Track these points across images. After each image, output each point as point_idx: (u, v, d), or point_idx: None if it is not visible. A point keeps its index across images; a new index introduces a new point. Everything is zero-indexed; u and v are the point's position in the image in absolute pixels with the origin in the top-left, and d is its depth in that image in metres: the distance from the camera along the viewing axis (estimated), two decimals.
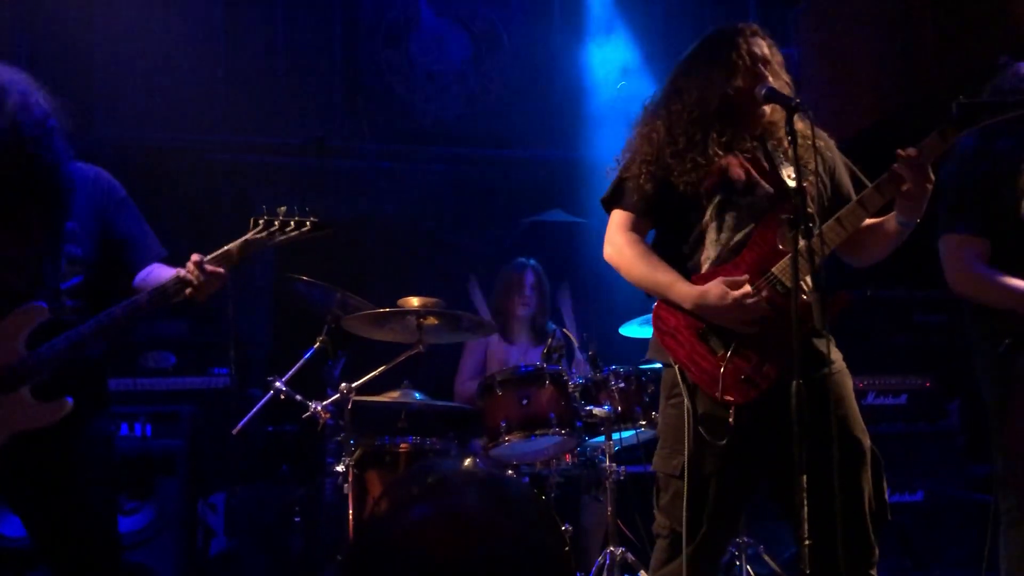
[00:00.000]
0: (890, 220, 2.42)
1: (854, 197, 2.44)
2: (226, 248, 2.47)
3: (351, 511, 3.34)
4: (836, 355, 2.39)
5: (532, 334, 4.45)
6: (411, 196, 5.53)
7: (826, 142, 2.55)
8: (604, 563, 3.29)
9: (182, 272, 2.40)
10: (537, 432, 3.39)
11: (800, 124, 2.27)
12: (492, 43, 5.65)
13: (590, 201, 5.59)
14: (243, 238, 2.49)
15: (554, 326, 4.04)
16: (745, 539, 3.56)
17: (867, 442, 2.42)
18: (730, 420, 2.26)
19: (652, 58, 5.81)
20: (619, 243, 2.45)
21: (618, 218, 2.48)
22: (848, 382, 2.44)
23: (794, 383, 2.07)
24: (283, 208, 2.53)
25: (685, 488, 2.29)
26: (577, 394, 3.48)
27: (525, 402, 3.43)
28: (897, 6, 5.07)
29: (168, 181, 4.98)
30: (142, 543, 3.85)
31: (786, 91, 2.42)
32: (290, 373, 3.48)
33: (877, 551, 2.38)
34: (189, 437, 4.07)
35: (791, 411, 2.05)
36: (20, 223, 2.39)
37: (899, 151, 2.29)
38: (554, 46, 5.77)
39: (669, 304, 2.37)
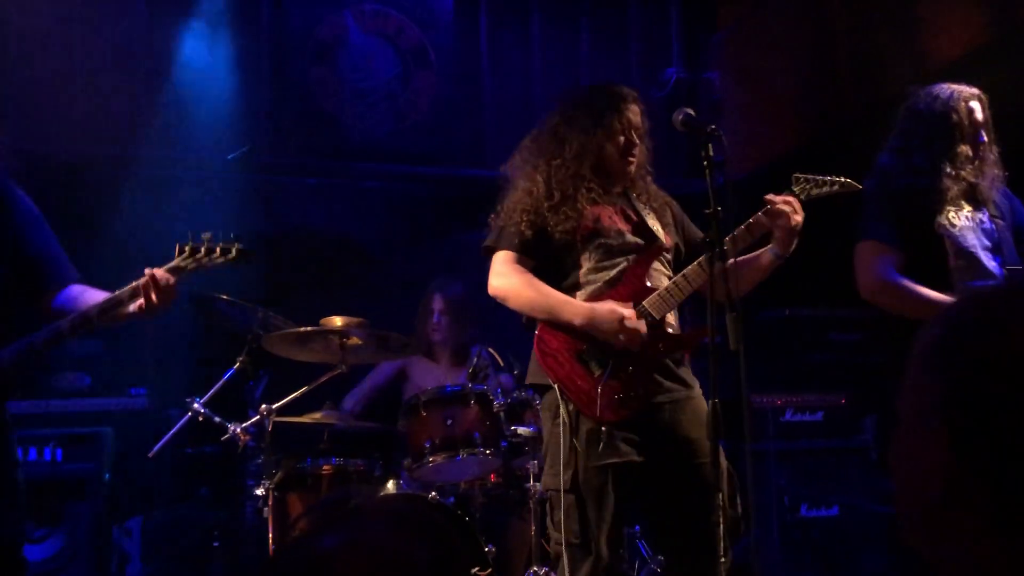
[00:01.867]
0: (764, 253, 2.66)
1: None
2: (152, 272, 2.41)
3: (272, 535, 3.28)
4: (693, 381, 2.68)
5: (452, 357, 4.42)
6: (338, 213, 5.48)
7: (669, 198, 2.88)
8: None
9: (141, 281, 2.35)
10: (462, 452, 3.39)
11: (655, 187, 2.75)
12: (420, 60, 5.65)
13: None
14: (170, 264, 2.44)
15: (479, 346, 4.04)
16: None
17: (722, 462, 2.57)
18: (603, 436, 2.48)
19: (579, 75, 5.89)
20: (506, 274, 2.65)
21: (502, 256, 2.70)
22: (703, 407, 2.61)
23: (711, 403, 2.19)
24: (208, 234, 2.50)
25: (570, 501, 2.49)
26: (502, 414, 3.48)
27: (450, 422, 3.42)
28: (811, 36, 5.26)
29: (86, 196, 4.84)
30: (52, 572, 3.71)
31: (645, 158, 2.78)
32: (209, 394, 3.40)
33: (729, 557, 2.52)
34: (104, 460, 3.94)
35: (660, 431, 2.37)
36: None
37: (768, 196, 2.59)
38: (482, 63, 5.81)
39: (553, 327, 2.59)
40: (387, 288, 5.15)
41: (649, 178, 2.79)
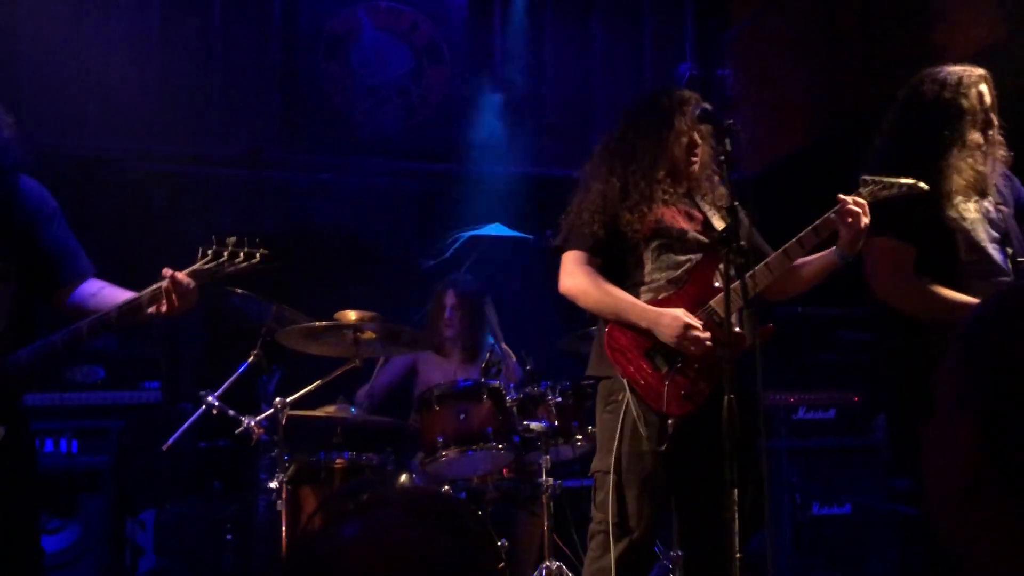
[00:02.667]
0: (828, 255, 2.66)
1: (764, 247, 2.81)
2: (173, 276, 2.39)
3: (284, 528, 3.28)
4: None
5: (463, 352, 4.42)
6: (349, 209, 5.49)
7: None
8: None
9: (164, 284, 2.33)
10: (474, 447, 3.39)
11: (719, 187, 2.76)
12: (433, 56, 5.66)
13: (531, 216, 5.65)
14: (192, 268, 2.42)
15: (492, 341, 4.04)
16: (680, 553, 3.60)
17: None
18: (670, 430, 2.59)
19: (591, 73, 5.89)
20: (577, 274, 2.75)
21: (573, 256, 2.79)
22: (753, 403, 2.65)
23: (726, 398, 2.19)
24: (232, 238, 2.48)
25: (615, 481, 2.58)
26: (515, 409, 3.49)
27: (462, 417, 3.42)
28: (825, 33, 5.24)
29: (98, 191, 4.86)
30: (67, 563, 3.73)
31: (709, 157, 2.79)
32: (223, 387, 3.41)
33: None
34: (117, 453, 3.96)
35: (722, 426, 2.30)
36: None
37: (840, 196, 2.55)
38: (495, 61, 5.81)
39: (621, 325, 2.68)
40: (397, 283, 5.16)
41: (716, 178, 2.82)
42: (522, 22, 5.84)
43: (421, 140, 5.61)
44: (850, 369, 4.63)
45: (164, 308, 2.34)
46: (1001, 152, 2.76)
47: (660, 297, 2.70)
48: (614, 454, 2.61)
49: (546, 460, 3.39)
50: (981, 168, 2.70)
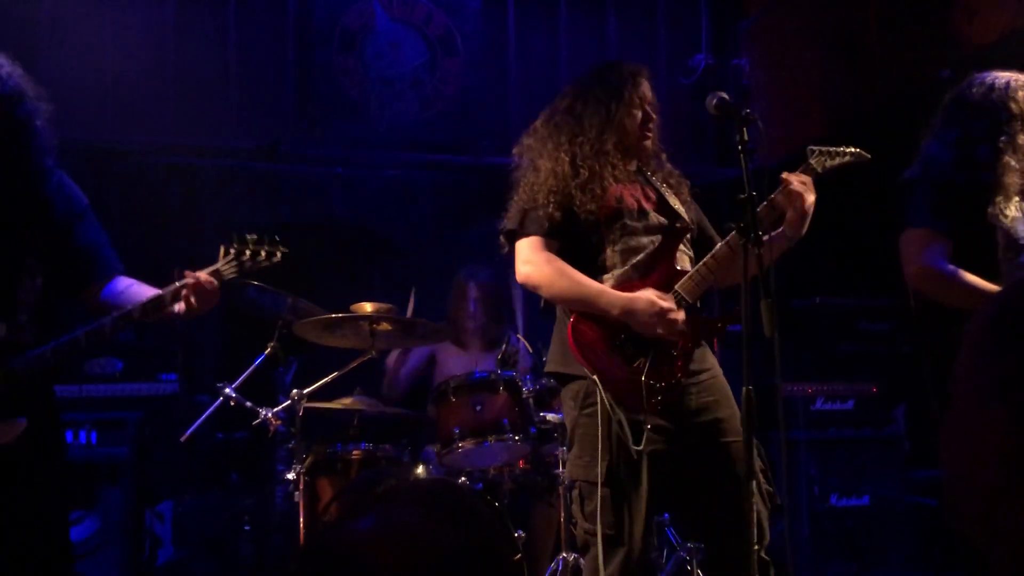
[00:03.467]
0: (778, 236, 2.58)
1: (709, 230, 2.77)
2: (195, 276, 2.39)
3: (302, 519, 3.30)
4: (712, 361, 2.65)
5: (483, 343, 4.42)
6: (365, 201, 5.50)
7: (684, 178, 2.82)
8: (556, 569, 3.29)
9: (189, 281, 2.33)
10: (490, 438, 3.39)
11: (667, 164, 2.71)
12: (447, 48, 5.65)
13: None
14: (213, 267, 2.41)
15: (510, 332, 4.04)
16: (697, 544, 3.59)
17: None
18: (646, 427, 2.44)
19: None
20: (537, 261, 2.60)
21: (529, 243, 2.64)
22: (726, 385, 2.62)
23: (744, 390, 2.15)
24: (253, 236, 2.47)
25: (605, 493, 2.45)
26: (531, 400, 3.48)
27: (479, 408, 3.42)
28: (842, 21, 5.19)
29: (115, 184, 4.89)
30: (87, 554, 3.76)
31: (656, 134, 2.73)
32: (240, 379, 3.43)
33: (767, 534, 2.51)
34: (136, 445, 3.99)
35: (683, 414, 2.34)
36: None
37: (784, 175, 2.55)
38: (509, 51, 5.79)
39: (588, 317, 2.54)
40: (413, 276, 5.16)
41: (664, 155, 2.75)
42: (536, 12, 5.82)
43: (436, 132, 5.61)
44: (869, 360, 4.60)
45: (185, 307, 2.34)
46: None
47: (624, 284, 2.55)
48: (603, 463, 2.44)
49: (562, 451, 3.38)
50: None
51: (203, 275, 2.37)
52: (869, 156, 2.66)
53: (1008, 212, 2.70)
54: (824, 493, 4.26)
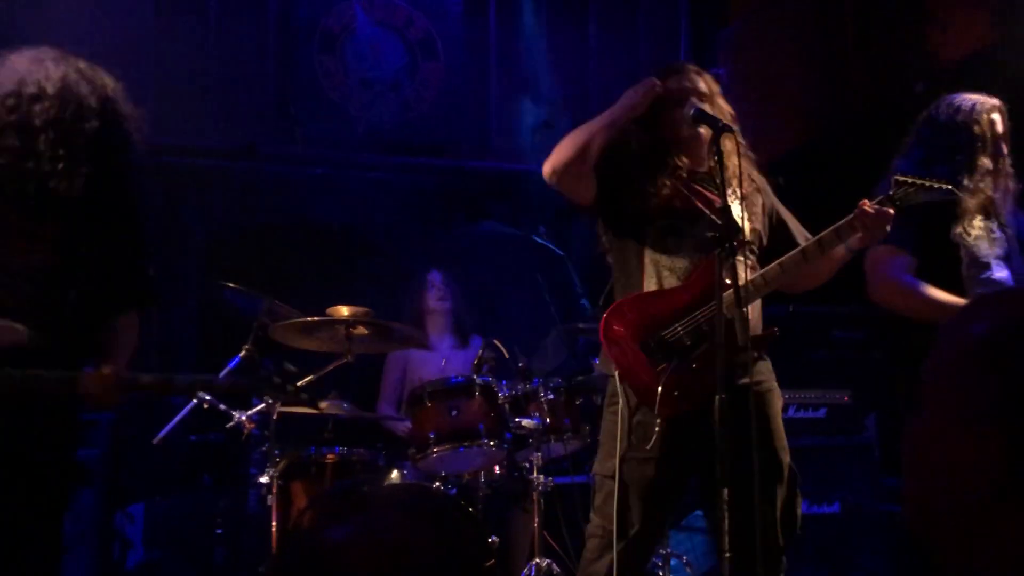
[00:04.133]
0: (839, 248, 2.57)
1: (795, 238, 2.66)
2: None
3: (275, 523, 3.29)
4: (767, 374, 2.59)
5: (456, 337, 4.44)
6: (343, 203, 5.48)
7: (761, 183, 2.72)
8: (530, 574, 3.30)
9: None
10: (466, 443, 3.39)
11: (754, 171, 2.56)
12: (428, 52, 5.65)
13: (524, 213, 5.66)
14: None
15: (487, 338, 4.04)
16: (668, 550, 3.62)
17: (786, 459, 2.51)
18: (656, 429, 2.43)
19: (587, 69, 5.89)
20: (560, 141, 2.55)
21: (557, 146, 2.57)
22: (775, 400, 2.60)
23: (717, 398, 2.17)
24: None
25: (611, 488, 2.45)
26: (507, 406, 3.49)
27: (454, 413, 3.42)
28: (820, 34, 5.25)
29: None
30: None
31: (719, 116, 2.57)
32: None
33: (785, 561, 2.47)
34: (107, 446, 3.95)
35: (721, 425, 2.19)
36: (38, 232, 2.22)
37: (863, 202, 2.47)
38: (490, 56, 5.80)
39: (619, 313, 2.52)
40: (391, 279, 5.15)
41: (745, 160, 2.56)
42: (517, 17, 5.84)
43: (416, 135, 5.61)
44: (841, 368, 4.64)
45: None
46: (1011, 184, 2.86)
47: (661, 290, 2.53)
48: (616, 457, 2.47)
49: (537, 457, 3.40)
50: (990, 192, 2.80)
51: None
52: (959, 193, 2.61)
53: (972, 231, 2.76)
54: None
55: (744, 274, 2.44)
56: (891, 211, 2.46)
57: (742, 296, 2.37)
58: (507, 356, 3.78)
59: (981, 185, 2.77)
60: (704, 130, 2.54)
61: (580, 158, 2.50)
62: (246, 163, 5.27)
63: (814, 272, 2.67)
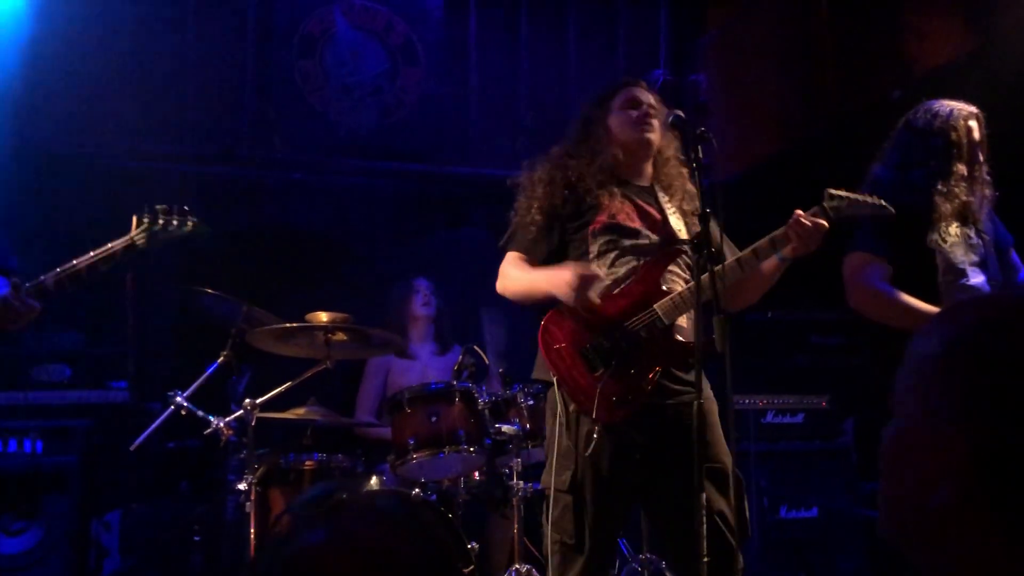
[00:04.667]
0: (771, 261, 2.58)
1: (725, 247, 2.67)
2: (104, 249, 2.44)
3: (253, 530, 3.26)
4: (705, 384, 2.54)
5: (437, 343, 4.44)
6: (322, 208, 5.46)
7: (694, 195, 2.74)
8: None
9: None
10: (445, 449, 3.39)
11: (688, 184, 2.62)
12: (408, 57, 5.64)
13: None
14: (126, 237, 2.50)
15: (467, 345, 4.04)
16: (649, 555, 3.62)
17: (729, 464, 2.52)
18: (594, 435, 2.44)
19: (566, 75, 5.90)
20: (506, 273, 2.68)
21: (508, 258, 2.71)
22: (714, 408, 2.59)
23: (695, 404, 2.18)
24: (164, 207, 2.60)
25: (568, 501, 2.47)
26: (487, 411, 3.49)
27: (434, 419, 3.42)
28: (797, 41, 5.29)
29: (67, 187, 4.79)
30: (29, 565, 3.68)
31: (674, 148, 2.70)
32: (192, 388, 3.39)
33: (741, 559, 2.49)
34: (83, 453, 3.91)
35: (663, 434, 2.28)
36: None
37: (798, 212, 2.51)
38: (470, 61, 5.80)
39: (556, 322, 2.54)
40: (370, 285, 5.14)
41: (684, 173, 2.68)
42: (497, 23, 5.85)
43: (396, 140, 5.60)
44: (819, 373, 4.68)
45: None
46: (987, 191, 2.87)
47: (602, 297, 2.53)
48: (567, 472, 2.47)
49: (517, 463, 3.39)
50: (964, 198, 2.82)
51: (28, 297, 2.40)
52: (893, 211, 2.61)
53: (948, 238, 2.78)
54: (774, 505, 4.32)
55: (679, 284, 2.54)
56: (824, 223, 2.49)
57: (678, 304, 2.47)
58: (487, 362, 3.78)
59: (956, 190, 2.80)
60: (654, 136, 2.65)
61: (526, 301, 2.65)
62: (224, 167, 5.24)
63: (750, 285, 2.66)
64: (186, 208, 2.60)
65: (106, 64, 5.05)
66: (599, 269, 2.57)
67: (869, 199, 2.57)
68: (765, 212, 2.86)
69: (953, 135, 2.82)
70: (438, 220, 5.71)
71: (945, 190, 2.77)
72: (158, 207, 2.60)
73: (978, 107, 2.96)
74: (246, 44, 5.42)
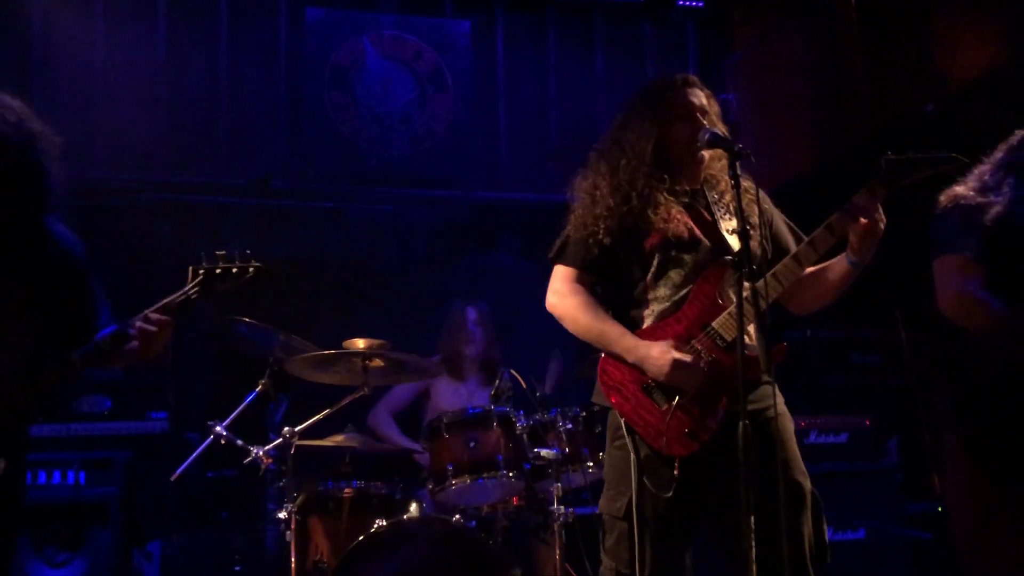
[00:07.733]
0: (839, 261, 2.48)
1: (791, 238, 2.57)
2: (165, 302, 2.31)
3: (293, 558, 3.26)
4: (779, 400, 2.47)
5: (483, 374, 4.41)
6: (356, 237, 5.50)
7: (762, 195, 2.61)
8: None
9: (138, 325, 2.22)
10: (484, 475, 3.36)
11: (745, 181, 2.33)
12: (436, 84, 5.69)
13: (537, 242, 5.63)
14: (179, 294, 2.32)
15: (503, 368, 4.03)
16: None
17: (808, 485, 2.45)
18: (675, 472, 2.34)
19: (595, 99, 5.92)
20: (563, 291, 2.53)
21: (561, 272, 2.56)
22: (789, 426, 2.51)
23: (740, 425, 2.11)
24: (222, 253, 2.38)
25: (634, 530, 2.34)
26: (525, 436, 3.46)
27: (472, 445, 3.40)
28: (827, 57, 5.27)
29: (105, 221, 4.87)
30: None
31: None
32: (231, 417, 3.40)
33: None
34: (124, 484, 3.94)
35: (737, 454, 2.09)
36: None
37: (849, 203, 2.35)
38: (498, 87, 5.84)
39: (615, 358, 2.44)
40: (403, 311, 5.15)
41: (740, 166, 2.37)
42: (525, 49, 5.88)
43: (427, 167, 5.64)
44: (859, 392, 4.60)
45: (134, 348, 2.24)
46: None
47: (654, 324, 2.43)
48: (624, 499, 2.37)
49: (557, 488, 3.36)
50: None
51: (152, 315, 2.26)
52: (966, 160, 2.45)
53: None
54: None
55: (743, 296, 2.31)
56: (883, 189, 2.33)
57: (743, 313, 2.23)
58: (524, 387, 3.76)
59: None
60: (710, 157, 2.51)
61: (573, 332, 2.52)
62: (259, 198, 5.30)
63: (819, 290, 2.53)
64: (248, 252, 2.41)
65: (140, 98, 5.15)
66: (658, 290, 2.45)
67: (930, 155, 2.37)
68: (800, 229, 2.82)
69: None
70: (469, 245, 5.72)
71: None
72: (217, 253, 2.36)
73: (1014, 121, 2.90)
74: (278, 76, 5.50)
